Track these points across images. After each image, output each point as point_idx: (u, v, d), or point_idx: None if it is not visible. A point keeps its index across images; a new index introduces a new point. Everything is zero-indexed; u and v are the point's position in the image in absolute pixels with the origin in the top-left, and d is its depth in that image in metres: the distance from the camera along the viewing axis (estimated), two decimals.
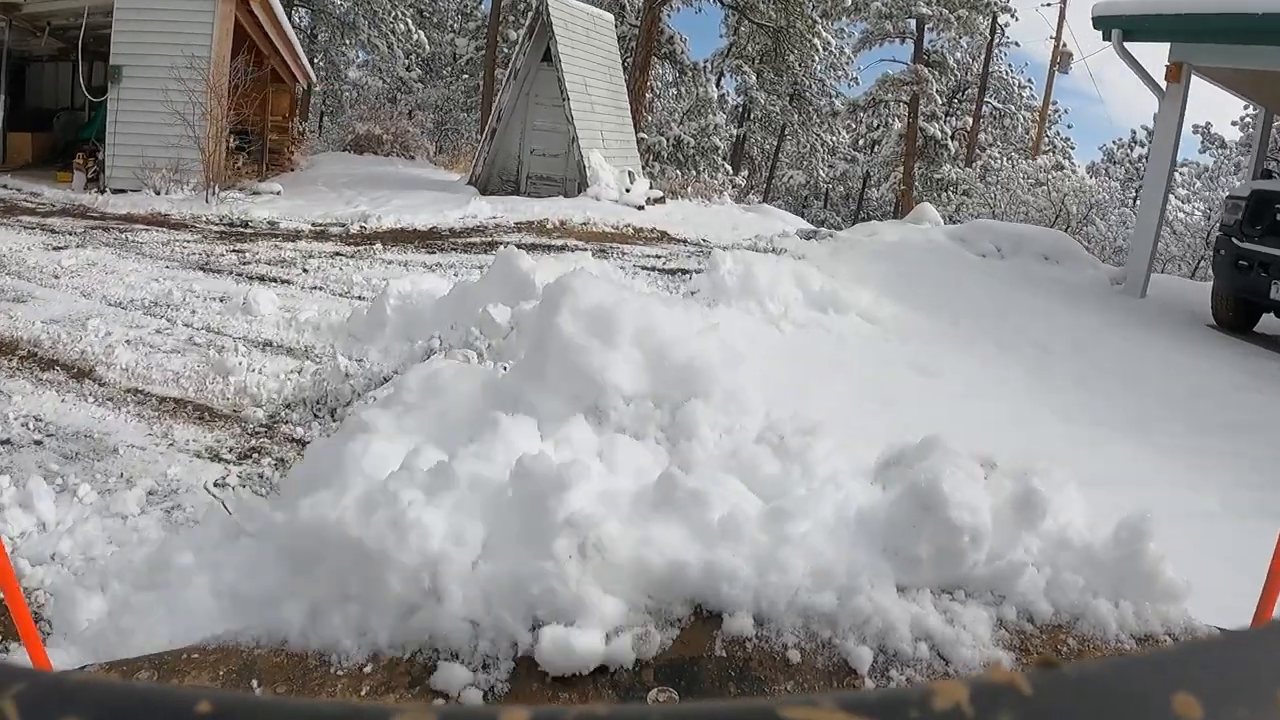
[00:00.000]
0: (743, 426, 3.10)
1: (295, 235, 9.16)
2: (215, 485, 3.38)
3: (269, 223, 9.79)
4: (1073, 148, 32.41)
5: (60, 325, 5.33)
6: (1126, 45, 8.04)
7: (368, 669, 2.17)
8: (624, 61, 17.68)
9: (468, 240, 9.38)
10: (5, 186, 10.96)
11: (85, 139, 12.37)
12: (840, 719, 0.29)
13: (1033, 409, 4.71)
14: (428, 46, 28.44)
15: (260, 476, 3.60)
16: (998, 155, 27.79)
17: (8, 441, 3.72)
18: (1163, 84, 8.12)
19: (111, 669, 2.17)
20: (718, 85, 29.33)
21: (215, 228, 9.38)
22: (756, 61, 28.88)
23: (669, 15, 25.41)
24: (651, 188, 14.59)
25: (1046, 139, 29.64)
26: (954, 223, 11.59)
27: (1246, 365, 6.17)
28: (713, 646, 2.21)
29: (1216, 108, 50.14)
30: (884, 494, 2.64)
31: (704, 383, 3.13)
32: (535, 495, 2.38)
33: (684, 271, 7.55)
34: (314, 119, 26.26)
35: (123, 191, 10.97)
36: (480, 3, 29.28)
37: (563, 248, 8.81)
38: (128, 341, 5.11)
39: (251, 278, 6.95)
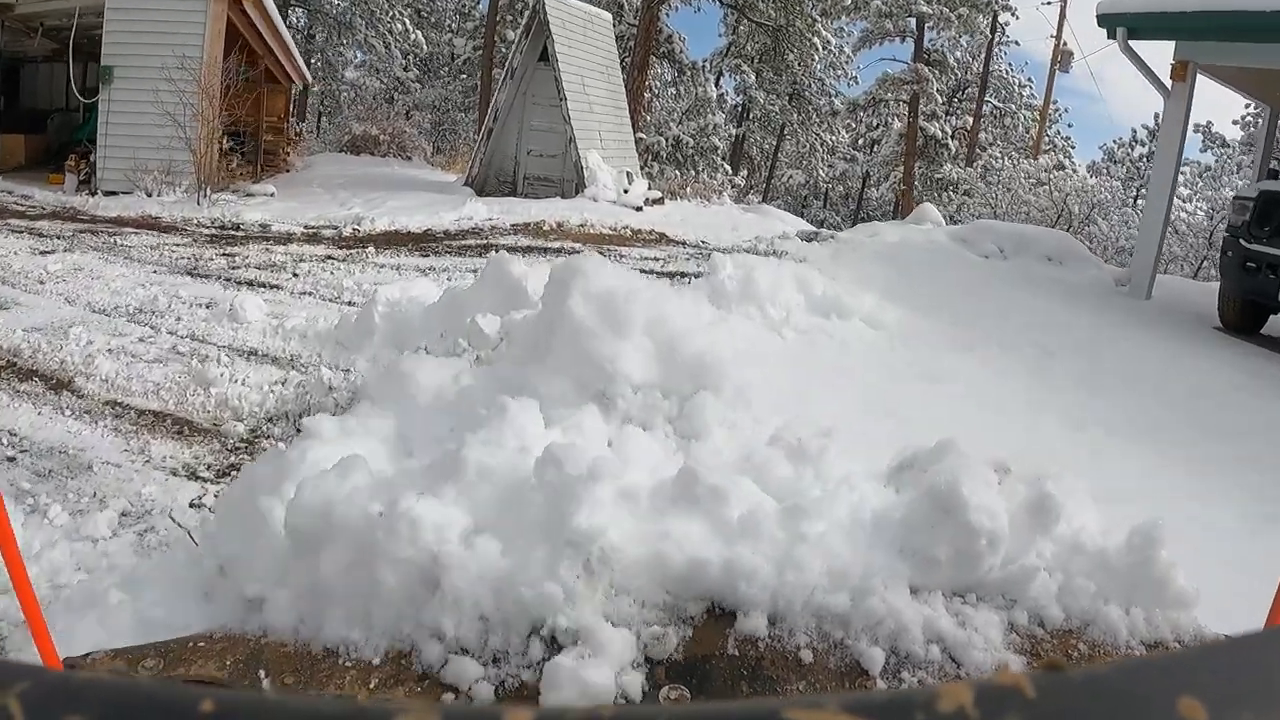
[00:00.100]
0: (755, 420, 3.11)
1: (287, 238, 9.03)
2: (191, 506, 3.25)
3: (261, 225, 9.65)
4: (1073, 147, 32.38)
5: (41, 334, 5.20)
6: (1131, 44, 7.91)
7: (375, 661, 2.15)
8: (622, 61, 17.54)
9: (462, 243, 9.23)
10: None
11: (79, 140, 12.23)
12: None
13: (1036, 414, 4.60)
14: (425, 46, 28.31)
15: None
16: (998, 155, 27.63)
17: None
18: (1168, 83, 8.00)
19: (117, 656, 2.15)
20: (717, 85, 29.20)
21: (206, 231, 9.24)
22: (756, 61, 28.75)
23: (667, 14, 25.31)
24: (650, 188, 14.47)
25: (1047, 138, 29.55)
26: (955, 223, 11.48)
27: (1248, 366, 6.06)
28: (725, 645, 2.20)
29: (1218, 107, 50.02)
30: (898, 496, 2.62)
31: (714, 377, 3.15)
32: (561, 485, 2.32)
33: (683, 275, 7.41)
34: (311, 119, 26.16)
35: (114, 194, 10.83)
36: (478, 2, 29.17)
37: (559, 250, 8.68)
38: (109, 350, 4.98)
39: (240, 283, 6.81)
